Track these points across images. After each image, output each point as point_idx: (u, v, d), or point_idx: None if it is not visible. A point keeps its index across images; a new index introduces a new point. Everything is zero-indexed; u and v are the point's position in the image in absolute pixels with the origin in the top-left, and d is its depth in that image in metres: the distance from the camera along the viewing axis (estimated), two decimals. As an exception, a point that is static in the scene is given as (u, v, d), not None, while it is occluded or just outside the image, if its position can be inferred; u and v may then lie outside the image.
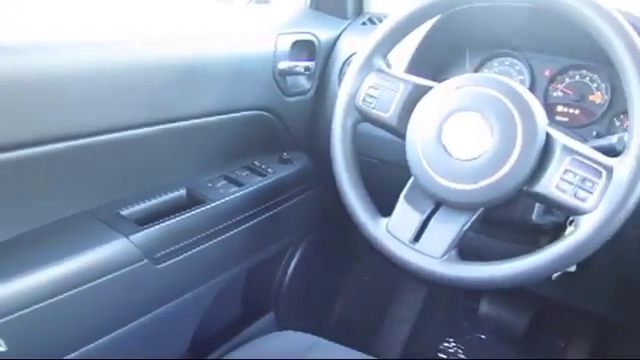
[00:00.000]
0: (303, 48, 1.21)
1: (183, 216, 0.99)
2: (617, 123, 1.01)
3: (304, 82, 1.24)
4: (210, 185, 1.09)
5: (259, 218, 1.15)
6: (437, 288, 1.71)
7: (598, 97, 1.05)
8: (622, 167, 0.71)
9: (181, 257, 0.98)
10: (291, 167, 1.24)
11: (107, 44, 0.87)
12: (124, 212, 0.95)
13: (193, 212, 1.00)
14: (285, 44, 1.16)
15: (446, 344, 1.69)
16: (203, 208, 1.02)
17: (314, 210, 1.38)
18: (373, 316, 1.70)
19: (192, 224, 1.00)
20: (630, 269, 1.00)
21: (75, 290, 0.82)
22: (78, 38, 0.84)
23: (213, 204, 1.04)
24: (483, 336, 1.69)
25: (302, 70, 1.20)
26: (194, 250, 1.01)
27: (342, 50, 1.24)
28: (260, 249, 1.22)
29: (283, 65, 1.16)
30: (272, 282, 1.40)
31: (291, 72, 1.18)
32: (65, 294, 0.81)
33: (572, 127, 1.05)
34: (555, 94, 1.08)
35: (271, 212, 1.18)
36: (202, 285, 1.07)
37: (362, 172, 0.91)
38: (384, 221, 0.86)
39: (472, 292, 1.64)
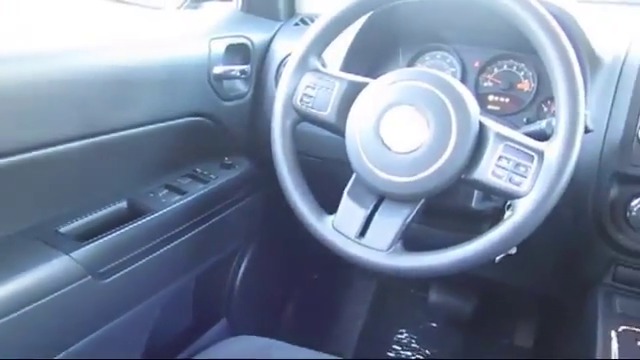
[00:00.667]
0: (237, 52, 1.20)
1: (125, 229, 0.96)
2: (545, 109, 1.06)
3: (241, 86, 1.23)
4: (152, 195, 1.07)
5: (204, 225, 1.14)
6: (387, 281, 1.74)
7: (526, 85, 1.09)
8: (552, 150, 0.74)
9: (126, 270, 0.96)
10: (234, 172, 1.23)
11: (33, 56, 0.85)
12: (63, 229, 0.92)
13: (136, 224, 0.98)
14: (219, 48, 1.16)
15: (399, 335, 1.72)
16: (146, 219, 1.00)
17: (260, 213, 1.37)
18: (326, 314, 1.71)
19: (135, 236, 0.98)
20: (567, 248, 1.04)
21: (16, 313, 0.79)
22: (1, 51, 0.81)
23: (156, 214, 1.02)
24: (434, 324, 1.73)
25: (238, 74, 1.19)
26: (140, 262, 0.99)
27: (277, 52, 1.24)
28: (208, 256, 1.21)
29: (218, 70, 1.15)
30: (223, 288, 1.38)
31: (227, 76, 1.18)
32: (5, 318, 0.78)
33: (504, 115, 1.09)
34: (485, 84, 1.12)
35: (216, 218, 1.17)
36: (151, 297, 1.05)
37: (305, 171, 0.92)
38: (330, 218, 0.87)
39: (421, 282, 1.67)
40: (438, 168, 0.77)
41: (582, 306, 1.05)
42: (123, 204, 1.04)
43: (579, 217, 0.96)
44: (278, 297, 1.65)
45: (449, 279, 1.56)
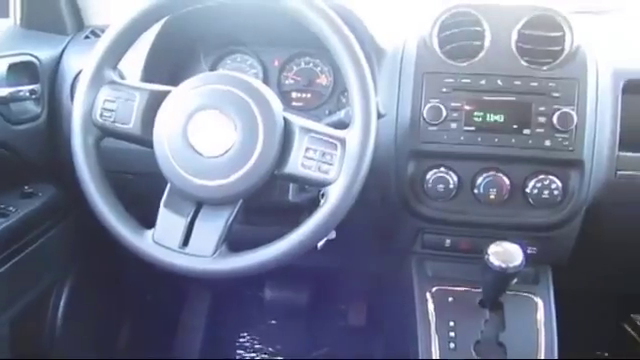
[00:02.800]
0: (23, 71, 1.11)
1: None
2: (344, 100, 1.13)
3: (32, 107, 1.13)
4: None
5: (10, 263, 1.03)
6: (221, 288, 1.73)
7: (324, 79, 1.15)
8: (351, 137, 0.80)
9: None
10: (36, 200, 1.13)
11: None
12: None
13: None
14: (-1, 69, 1.05)
15: (241, 339, 1.73)
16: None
17: (74, 240, 1.28)
18: (164, 333, 1.65)
19: None
20: (380, 225, 1.12)
21: None
22: None
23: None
24: (274, 321, 1.76)
25: (27, 94, 1.09)
26: None
27: (68, 68, 1.16)
28: (19, 296, 1.10)
29: (2, 92, 1.05)
30: (43, 328, 1.27)
31: (14, 98, 1.07)
32: None
33: (307, 110, 1.14)
34: (287, 82, 1.17)
35: (23, 253, 1.07)
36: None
37: (119, 189, 0.88)
38: (149, 233, 0.84)
39: (255, 282, 1.69)
40: (250, 167, 0.79)
41: (400, 276, 1.14)
42: None
43: (386, 195, 1.04)
44: (111, 326, 1.55)
45: (281, 275, 1.60)
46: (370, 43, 1.02)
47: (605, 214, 1.04)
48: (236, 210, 0.82)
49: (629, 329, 1.76)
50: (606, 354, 1.71)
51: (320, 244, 0.96)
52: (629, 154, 1.00)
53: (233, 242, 0.85)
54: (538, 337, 0.99)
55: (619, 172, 1.00)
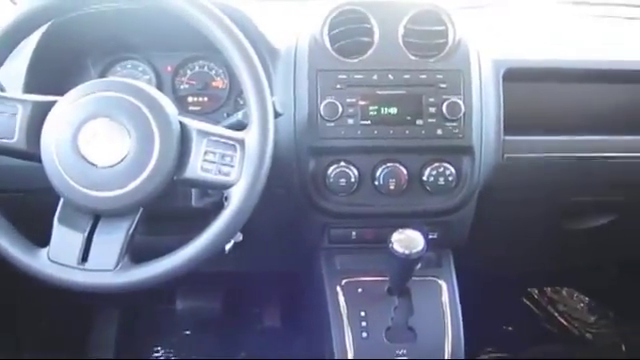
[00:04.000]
0: None
1: None
2: (241, 102, 1.13)
3: None
4: None
5: None
6: (130, 303, 1.67)
7: (220, 83, 1.15)
8: (250, 137, 0.80)
9: None
10: None
11: None
12: None
13: None
14: None
15: (155, 354, 1.68)
16: None
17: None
18: (71, 355, 1.57)
19: None
20: (287, 223, 1.13)
21: None
22: None
23: None
24: (188, 332, 1.73)
25: None
26: None
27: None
28: None
29: None
30: None
31: None
32: None
33: (205, 114, 1.13)
34: (182, 87, 1.15)
35: None
36: None
37: (7, 210, 0.83)
38: (44, 251, 0.80)
39: (165, 294, 1.65)
40: (148, 174, 0.77)
41: (310, 273, 1.15)
42: None
43: (290, 193, 1.05)
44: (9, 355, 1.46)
45: (192, 283, 1.57)
46: (262, 43, 1.02)
47: (497, 196, 1.10)
48: (136, 220, 0.80)
49: (528, 302, 1.89)
50: (510, 328, 1.82)
51: (227, 247, 0.95)
52: (514, 138, 1.07)
53: (139, 254, 0.82)
54: (444, 318, 1.03)
55: (506, 155, 1.07)
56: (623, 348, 1.74)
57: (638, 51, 1.20)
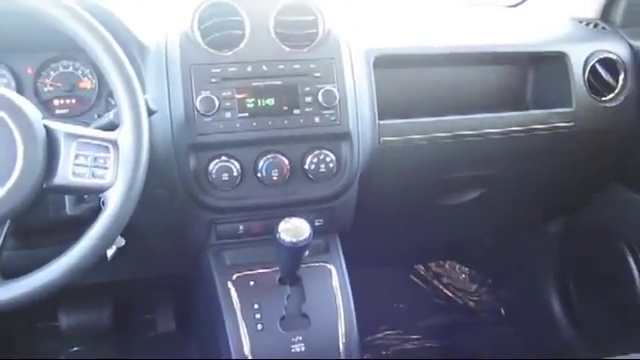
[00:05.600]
0: None
1: None
2: (112, 102, 1.08)
3: None
4: None
5: None
6: (4, 325, 1.55)
7: (87, 83, 1.09)
8: (123, 137, 0.77)
9: None
10: None
11: None
12: None
13: None
14: None
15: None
16: None
17: None
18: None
19: None
20: (173, 224, 1.10)
21: None
22: None
23: None
24: (77, 348, 1.64)
25: None
26: None
27: None
28: None
29: None
30: None
31: None
32: None
33: (74, 116, 1.07)
34: (46, 89, 1.08)
35: None
36: None
37: None
38: None
39: (46, 311, 1.55)
40: (13, 185, 0.72)
41: (201, 272, 1.13)
42: None
43: (172, 192, 1.02)
44: None
45: (76, 297, 1.49)
46: (130, 40, 0.98)
47: (377, 179, 1.14)
48: (4, 233, 0.75)
49: (415, 279, 1.98)
50: (401, 305, 1.90)
51: (110, 254, 0.91)
52: (389, 122, 1.12)
53: (14, 271, 0.77)
54: (336, 301, 1.06)
55: (382, 139, 1.11)
56: (502, 312, 1.89)
57: (501, 35, 1.29)
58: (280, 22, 1.03)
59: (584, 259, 1.57)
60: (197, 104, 0.97)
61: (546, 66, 1.27)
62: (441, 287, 1.96)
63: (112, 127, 0.82)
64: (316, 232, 0.98)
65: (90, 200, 0.93)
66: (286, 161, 1.03)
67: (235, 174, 1.01)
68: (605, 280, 1.49)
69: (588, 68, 1.23)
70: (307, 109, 1.02)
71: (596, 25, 1.38)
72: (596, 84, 1.24)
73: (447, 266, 2.02)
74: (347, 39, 1.09)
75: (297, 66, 1.02)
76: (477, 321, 1.87)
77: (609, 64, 1.25)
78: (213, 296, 1.06)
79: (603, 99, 1.25)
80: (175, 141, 0.99)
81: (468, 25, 1.33)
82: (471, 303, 1.94)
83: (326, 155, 1.04)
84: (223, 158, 1.00)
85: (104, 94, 1.08)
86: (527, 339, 1.76)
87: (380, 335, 1.77)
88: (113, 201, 0.76)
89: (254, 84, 1.01)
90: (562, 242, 1.64)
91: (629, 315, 1.39)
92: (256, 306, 1.02)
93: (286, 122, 1.02)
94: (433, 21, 1.34)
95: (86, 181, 0.76)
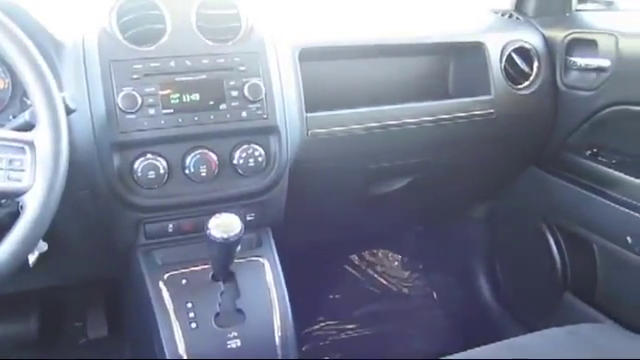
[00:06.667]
0: None
1: None
2: (28, 101, 1.03)
3: None
4: None
5: None
6: None
7: (0, 83, 1.04)
8: (40, 137, 0.74)
9: None
10: None
11: None
12: None
13: None
14: None
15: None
16: None
17: None
18: None
19: None
20: (98, 225, 1.07)
21: None
22: None
23: None
24: (1, 360, 1.56)
25: None
26: None
27: None
28: None
29: None
30: None
31: None
32: None
33: None
34: None
35: None
36: None
37: None
38: None
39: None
40: None
41: (131, 273, 1.11)
42: None
43: (96, 193, 0.99)
44: None
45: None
46: (44, 37, 0.94)
47: (307, 171, 1.15)
48: None
49: (349, 269, 2.01)
50: (337, 296, 1.92)
51: (32, 260, 0.88)
52: (316, 114, 1.12)
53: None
54: (271, 295, 1.06)
55: (310, 131, 1.12)
56: (434, 295, 1.94)
57: (422, 27, 1.32)
58: (202, 16, 1.02)
59: (508, 241, 1.64)
60: (119, 101, 0.95)
61: (466, 56, 1.31)
62: (375, 275, 2.00)
63: (28, 128, 0.78)
64: (248, 227, 0.98)
65: (8, 205, 0.89)
66: (214, 157, 1.02)
67: (162, 172, 0.99)
68: (528, 260, 1.56)
69: (504, 57, 1.29)
70: (233, 103, 1.01)
71: (511, 16, 1.45)
72: (512, 72, 1.30)
73: (380, 254, 2.05)
74: (272, 32, 1.09)
75: (221, 60, 1.01)
76: (411, 307, 1.92)
77: (524, 53, 1.31)
78: (145, 297, 1.04)
79: (519, 86, 1.30)
80: (97, 140, 0.96)
81: (392, 17, 1.36)
82: (405, 289, 1.98)
83: (255, 149, 1.04)
84: (149, 156, 0.98)
85: (19, 94, 1.03)
86: (458, 321, 1.82)
87: (317, 326, 1.79)
88: (31, 205, 0.73)
89: (178, 79, 0.99)
90: (488, 225, 1.71)
91: (550, 292, 1.46)
92: (189, 305, 1.00)
93: (212, 117, 1.01)
94: (358, 14, 1.36)
95: (1, 185, 0.72)
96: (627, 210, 1.19)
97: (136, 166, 0.97)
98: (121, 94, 0.95)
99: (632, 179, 1.20)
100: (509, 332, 1.42)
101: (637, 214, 1.17)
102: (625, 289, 1.29)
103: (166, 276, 1.03)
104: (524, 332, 1.03)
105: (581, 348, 0.95)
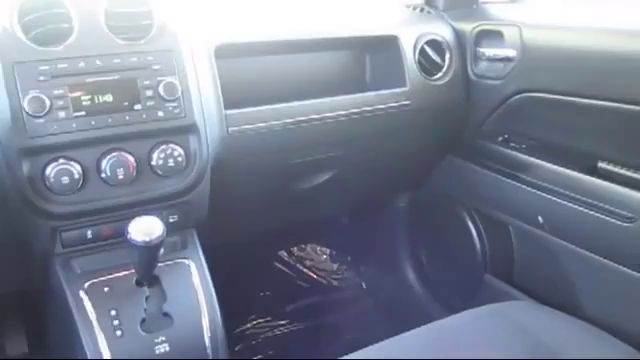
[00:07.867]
0: None
1: None
2: None
3: None
4: None
5: None
6: None
7: None
8: None
9: None
10: None
11: None
12: None
13: None
14: None
15: None
16: None
17: None
18: None
19: None
20: (10, 237, 1.01)
21: None
22: None
23: None
24: None
25: None
26: None
27: None
28: None
29: None
30: None
31: None
32: None
33: None
34: None
35: None
36: None
37: None
38: None
39: None
40: None
41: (50, 285, 1.06)
42: None
43: (5, 202, 0.94)
44: None
45: None
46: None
47: (229, 169, 1.14)
48: None
49: (279, 265, 2.01)
50: (268, 293, 1.92)
51: None
52: (234, 111, 1.12)
53: None
54: (198, 297, 1.04)
55: (230, 129, 1.11)
56: (364, 285, 1.98)
57: (338, 22, 1.34)
58: (111, 14, 0.98)
59: (431, 227, 1.70)
60: (25, 105, 0.90)
61: (381, 49, 1.34)
62: (305, 270, 2.01)
63: None
64: (171, 229, 0.96)
65: None
66: (131, 159, 0.99)
67: (76, 177, 0.95)
68: (449, 244, 1.62)
69: (418, 50, 1.32)
70: (149, 103, 0.99)
71: (422, 10, 1.49)
72: (426, 64, 1.34)
73: (309, 249, 2.07)
74: (186, 30, 1.07)
75: (134, 59, 0.99)
76: (341, 298, 1.94)
77: (436, 45, 1.35)
78: (65, 309, 1.00)
79: (433, 78, 1.34)
80: (4, 146, 0.91)
81: (308, 13, 1.37)
82: (334, 282, 2.00)
83: (173, 149, 1.02)
84: (61, 161, 0.94)
85: None
86: (387, 308, 1.86)
87: (249, 325, 1.78)
88: None
89: (89, 80, 0.95)
90: (411, 214, 1.75)
91: (471, 274, 1.52)
92: (113, 312, 0.97)
93: (127, 118, 0.98)
94: (274, 10, 1.36)
95: None
96: (537, 192, 1.26)
97: (48, 172, 0.93)
98: (27, 97, 0.90)
99: (540, 162, 1.26)
100: (436, 315, 1.47)
101: (546, 195, 1.24)
102: (540, 267, 1.36)
103: (87, 285, 0.99)
104: (450, 314, 1.07)
105: (502, 325, 1.00)
